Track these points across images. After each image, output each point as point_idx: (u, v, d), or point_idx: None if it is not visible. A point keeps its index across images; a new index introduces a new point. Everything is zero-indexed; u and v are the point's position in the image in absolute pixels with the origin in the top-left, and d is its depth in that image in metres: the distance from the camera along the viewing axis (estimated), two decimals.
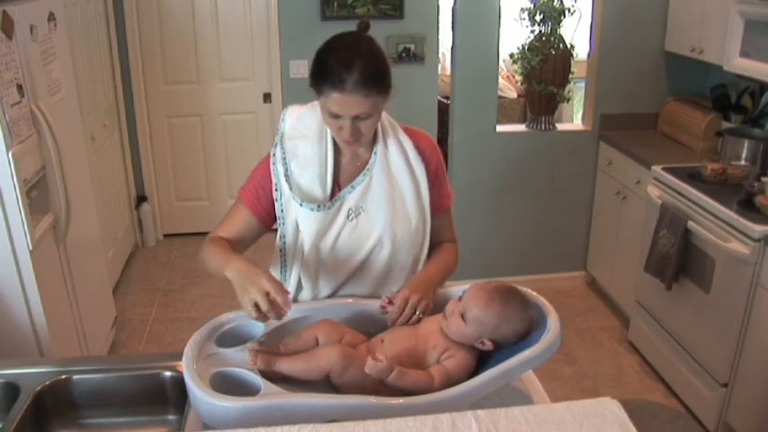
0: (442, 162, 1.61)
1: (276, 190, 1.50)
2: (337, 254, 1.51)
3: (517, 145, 3.64)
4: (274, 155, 1.51)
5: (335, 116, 1.38)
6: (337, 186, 1.51)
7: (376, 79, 1.36)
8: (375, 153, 1.52)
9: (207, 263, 1.45)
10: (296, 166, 1.50)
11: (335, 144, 1.51)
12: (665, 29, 3.43)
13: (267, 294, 1.25)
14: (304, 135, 1.51)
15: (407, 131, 1.57)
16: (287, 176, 1.49)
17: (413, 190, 1.52)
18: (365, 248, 1.51)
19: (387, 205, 1.50)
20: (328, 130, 1.49)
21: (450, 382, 1.26)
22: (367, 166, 1.52)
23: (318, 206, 1.48)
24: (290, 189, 1.48)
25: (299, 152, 1.50)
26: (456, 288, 1.50)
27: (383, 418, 1.09)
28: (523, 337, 1.32)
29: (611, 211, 3.54)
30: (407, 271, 1.56)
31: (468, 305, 1.31)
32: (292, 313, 1.40)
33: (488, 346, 1.31)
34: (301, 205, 1.48)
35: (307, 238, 1.50)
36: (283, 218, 1.51)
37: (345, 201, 1.50)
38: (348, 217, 1.50)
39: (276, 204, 1.51)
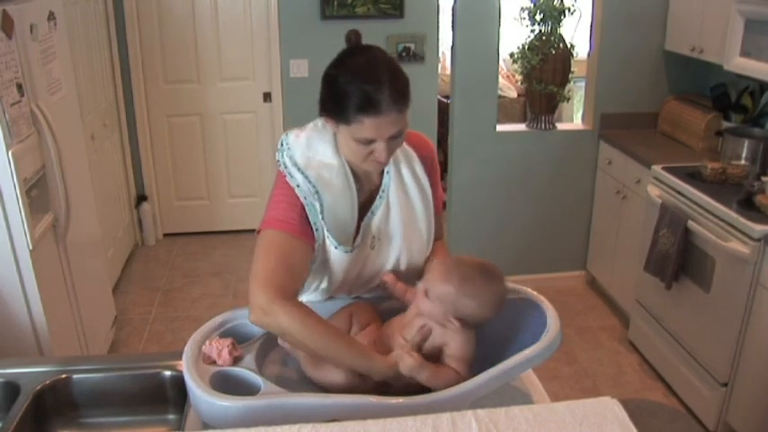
0: (438, 166, 1.55)
1: (317, 230, 1.35)
2: (359, 280, 1.47)
3: (517, 144, 3.64)
4: (298, 186, 1.34)
5: (368, 142, 1.28)
6: (360, 219, 1.42)
7: (405, 92, 1.28)
8: (387, 173, 1.43)
9: (306, 345, 1.24)
10: (331, 200, 1.35)
11: (353, 172, 1.40)
12: (665, 28, 3.43)
13: None
14: (325, 164, 1.37)
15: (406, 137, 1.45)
16: (322, 213, 1.34)
17: (422, 203, 1.47)
18: (385, 270, 1.47)
19: (403, 225, 1.44)
20: (341, 155, 1.38)
21: (470, 363, 1.27)
22: (381, 188, 1.43)
23: (352, 248, 1.39)
24: (327, 229, 1.35)
25: (326, 183, 1.35)
26: None
27: (383, 417, 1.09)
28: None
29: (611, 211, 3.54)
30: (418, 274, 1.52)
31: (428, 281, 1.28)
32: None
33: (455, 324, 1.26)
34: (336, 248, 1.37)
35: (336, 276, 1.42)
36: (318, 257, 1.39)
37: (369, 230, 1.42)
38: (371, 246, 1.43)
39: (315, 245, 1.37)
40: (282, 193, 1.36)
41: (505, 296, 1.31)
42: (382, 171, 1.44)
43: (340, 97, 1.27)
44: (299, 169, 1.36)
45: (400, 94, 1.26)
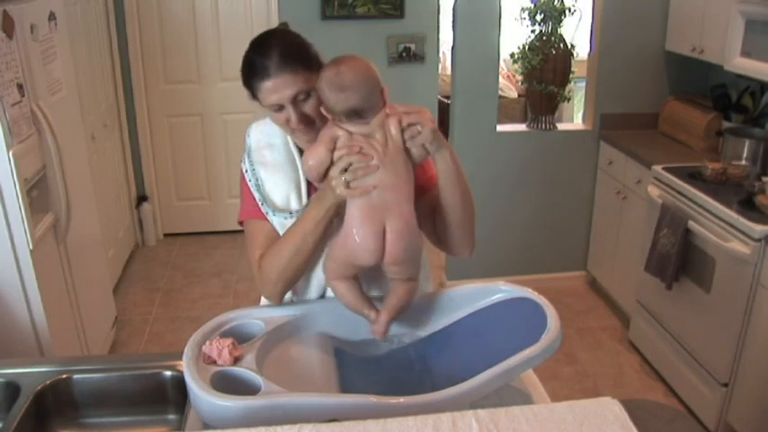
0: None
1: (263, 204, 1.46)
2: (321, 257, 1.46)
3: (518, 145, 3.64)
4: (246, 171, 1.49)
5: (279, 108, 1.36)
6: (314, 189, 1.45)
7: (296, 54, 1.35)
8: None
9: (289, 251, 1.38)
10: (265, 174, 1.47)
11: (299, 149, 1.47)
12: (665, 28, 3.43)
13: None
14: (270, 144, 1.50)
15: None
16: (258, 186, 1.46)
17: None
18: None
19: None
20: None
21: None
22: None
23: (291, 213, 1.44)
24: (264, 200, 1.45)
25: (266, 160, 1.48)
26: (456, 287, 1.51)
27: (383, 417, 1.09)
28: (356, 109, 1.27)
29: (611, 211, 3.54)
30: None
31: None
32: (289, 313, 1.41)
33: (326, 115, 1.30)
34: (274, 215, 1.44)
35: None
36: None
37: None
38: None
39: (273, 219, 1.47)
40: (243, 187, 1.51)
41: (351, 74, 1.27)
42: None
43: (243, 74, 1.38)
44: (248, 153, 1.51)
45: (289, 56, 1.34)
